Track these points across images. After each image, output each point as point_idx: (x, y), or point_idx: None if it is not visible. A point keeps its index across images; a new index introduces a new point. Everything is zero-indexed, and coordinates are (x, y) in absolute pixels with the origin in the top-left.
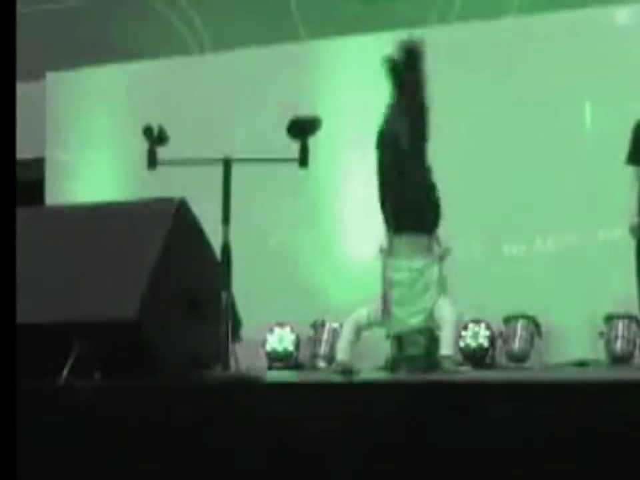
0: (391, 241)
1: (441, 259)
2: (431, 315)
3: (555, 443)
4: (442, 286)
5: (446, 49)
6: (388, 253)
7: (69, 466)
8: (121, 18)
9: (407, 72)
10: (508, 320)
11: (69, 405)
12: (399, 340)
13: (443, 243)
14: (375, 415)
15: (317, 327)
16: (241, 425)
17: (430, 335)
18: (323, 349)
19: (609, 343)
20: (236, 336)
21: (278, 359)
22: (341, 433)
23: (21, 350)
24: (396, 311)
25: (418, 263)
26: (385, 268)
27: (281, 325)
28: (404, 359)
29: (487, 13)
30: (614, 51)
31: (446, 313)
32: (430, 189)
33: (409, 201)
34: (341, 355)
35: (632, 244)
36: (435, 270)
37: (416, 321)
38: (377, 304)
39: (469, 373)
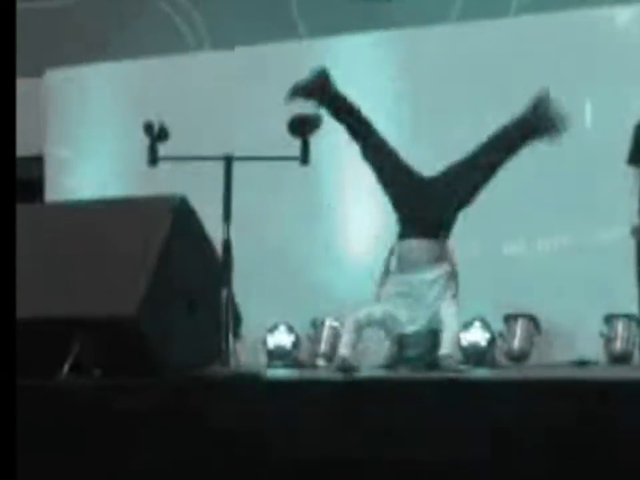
0: (399, 247)
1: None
2: (434, 316)
3: (554, 442)
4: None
5: (445, 49)
6: (396, 263)
7: (69, 464)
8: (120, 15)
9: None
10: (507, 319)
11: (68, 402)
12: (400, 340)
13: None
14: (375, 412)
15: (317, 325)
16: (242, 422)
17: (432, 335)
18: (323, 347)
19: (608, 343)
20: (236, 333)
21: (278, 357)
22: (341, 430)
23: (20, 346)
24: (398, 315)
25: (424, 275)
26: (390, 285)
27: (281, 322)
28: (404, 358)
29: (487, 13)
30: (614, 50)
31: (448, 312)
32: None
33: (420, 204)
34: (343, 350)
35: (632, 244)
36: (441, 282)
37: (418, 324)
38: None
39: (468, 372)
